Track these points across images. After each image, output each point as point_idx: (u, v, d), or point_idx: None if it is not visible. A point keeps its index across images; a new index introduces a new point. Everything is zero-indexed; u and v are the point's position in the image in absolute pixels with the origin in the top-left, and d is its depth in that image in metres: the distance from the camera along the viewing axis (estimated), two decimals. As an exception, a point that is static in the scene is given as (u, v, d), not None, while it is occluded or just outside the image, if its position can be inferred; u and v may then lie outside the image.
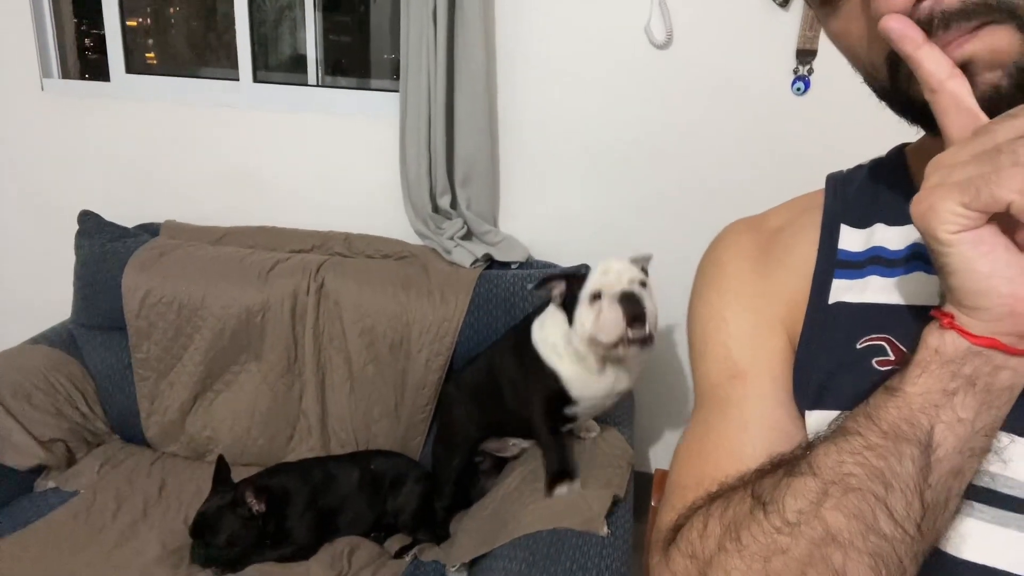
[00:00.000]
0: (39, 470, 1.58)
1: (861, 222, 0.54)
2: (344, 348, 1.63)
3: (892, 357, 0.47)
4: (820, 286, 0.53)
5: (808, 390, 0.52)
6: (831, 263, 0.53)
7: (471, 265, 1.68)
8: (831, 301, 0.52)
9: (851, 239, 0.54)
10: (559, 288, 1.28)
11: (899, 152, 0.57)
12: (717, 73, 1.63)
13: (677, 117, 1.68)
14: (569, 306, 1.25)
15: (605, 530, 1.17)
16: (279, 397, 1.66)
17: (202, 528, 1.33)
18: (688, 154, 1.70)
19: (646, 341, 1.18)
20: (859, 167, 0.59)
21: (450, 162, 1.73)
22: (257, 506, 1.34)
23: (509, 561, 1.13)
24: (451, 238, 1.72)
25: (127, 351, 1.72)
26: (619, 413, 1.57)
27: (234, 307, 1.63)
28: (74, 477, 1.58)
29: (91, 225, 1.77)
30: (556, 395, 1.32)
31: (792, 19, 1.57)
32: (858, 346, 0.49)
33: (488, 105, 1.69)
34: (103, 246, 1.73)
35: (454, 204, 1.76)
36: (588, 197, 1.79)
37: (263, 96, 1.90)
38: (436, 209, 1.75)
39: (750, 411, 0.54)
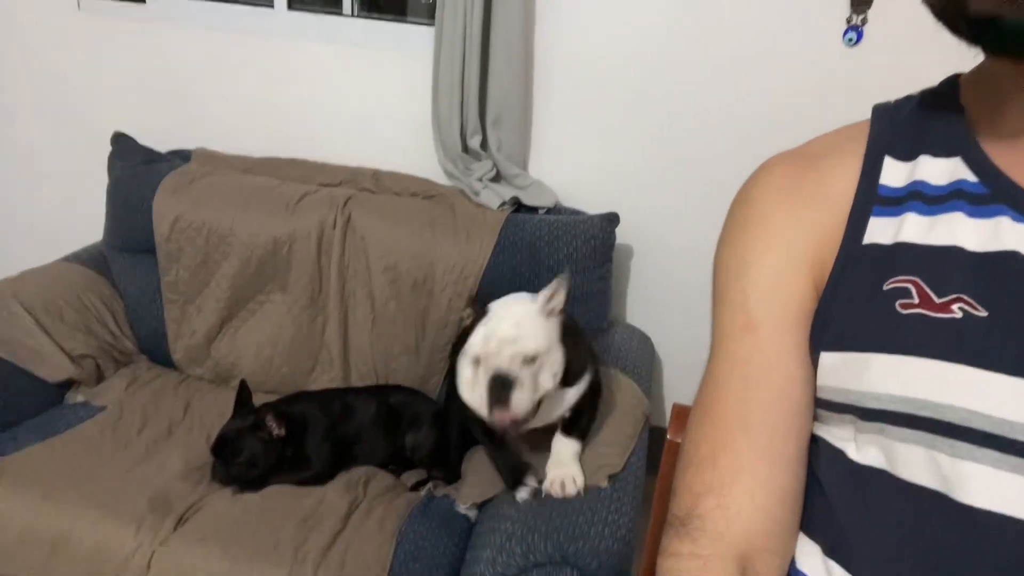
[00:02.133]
0: (69, 384, 1.63)
1: (906, 154, 0.52)
2: (368, 284, 1.64)
3: (916, 300, 0.46)
4: (855, 225, 0.52)
5: (828, 331, 0.51)
6: (870, 199, 0.52)
7: (498, 207, 1.66)
8: (865, 242, 0.51)
9: (893, 173, 0.52)
10: (468, 317, 1.14)
11: (952, 82, 0.54)
12: (765, 21, 1.56)
13: (720, 68, 1.61)
14: (465, 336, 1.11)
15: (604, 483, 1.17)
16: (302, 328, 1.68)
17: (223, 448, 1.37)
18: (729, 106, 1.64)
19: (516, 423, 1.05)
20: (908, 98, 0.56)
21: (482, 102, 1.69)
22: (277, 430, 1.37)
23: (516, 508, 1.15)
24: (479, 179, 1.70)
25: (157, 274, 1.75)
26: (638, 364, 1.56)
27: (262, 236, 1.64)
28: (102, 393, 1.62)
29: (124, 147, 1.78)
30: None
31: (848, -35, 1.49)
32: (884, 287, 0.48)
33: (524, 45, 1.64)
34: (135, 169, 1.74)
35: (484, 145, 1.73)
36: (621, 146, 1.75)
37: (297, 25, 1.87)
38: (466, 149, 1.73)
39: (756, 368, 0.54)
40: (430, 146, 1.78)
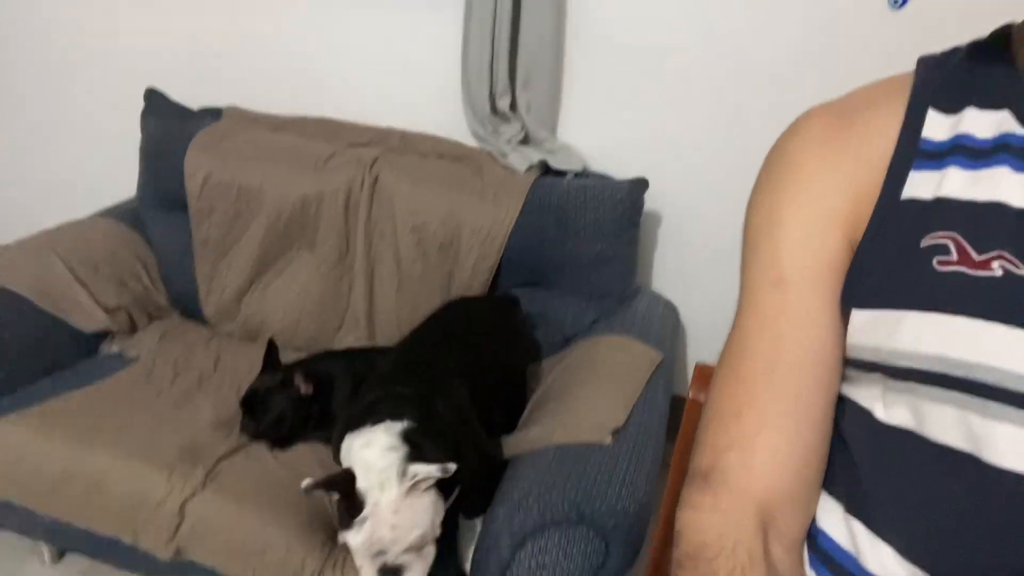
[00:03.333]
0: (104, 335, 1.67)
1: (951, 106, 0.50)
2: (394, 245, 1.65)
3: (955, 257, 0.45)
4: (895, 179, 0.50)
5: (861, 288, 0.50)
6: (911, 153, 0.50)
7: (526, 170, 1.65)
8: (903, 196, 0.49)
9: (936, 126, 0.50)
10: (335, 496, 1.08)
11: (1002, 33, 0.52)
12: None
13: (759, 31, 1.56)
14: (341, 516, 1.06)
15: (608, 440, 1.17)
16: (329, 287, 1.70)
17: (252, 403, 1.40)
18: (766, 71, 1.60)
19: None
20: (955, 49, 0.54)
21: (512, 63, 1.67)
22: (305, 389, 1.39)
23: (534, 468, 1.16)
24: (508, 142, 1.69)
25: (189, 230, 1.78)
26: (662, 331, 1.55)
27: (291, 195, 1.65)
28: (136, 344, 1.67)
29: (157, 104, 1.80)
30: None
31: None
32: (922, 244, 0.47)
33: (557, 5, 1.61)
34: (168, 125, 1.76)
35: (513, 107, 1.71)
36: (653, 111, 1.71)
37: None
38: (495, 111, 1.71)
39: (786, 324, 0.53)
40: (459, 108, 1.77)
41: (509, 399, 1.44)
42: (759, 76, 1.59)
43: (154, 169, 1.78)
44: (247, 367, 1.61)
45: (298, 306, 1.71)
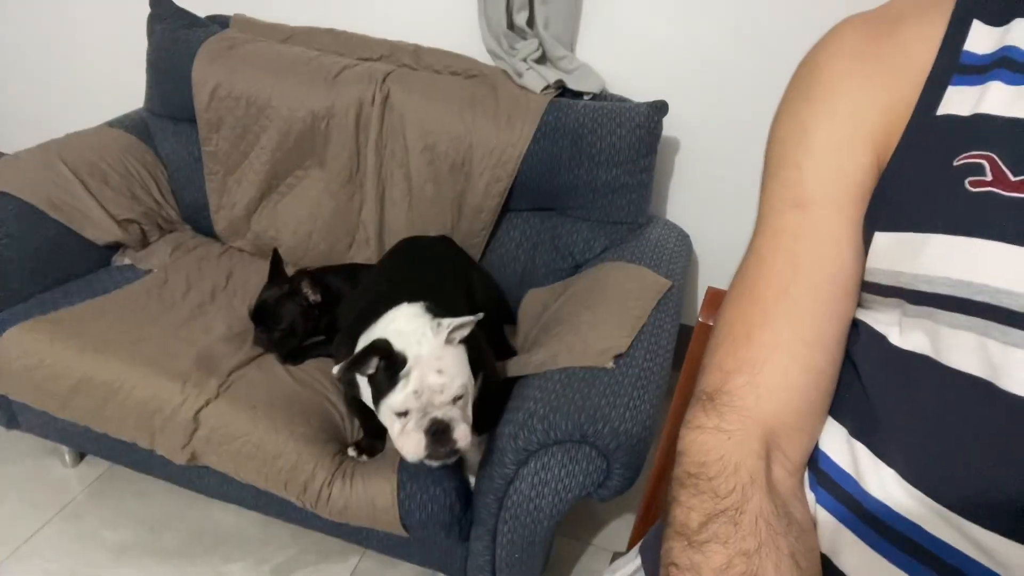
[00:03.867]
0: (116, 248, 1.68)
1: (998, 18, 0.47)
2: (405, 164, 1.62)
3: (989, 178, 0.43)
4: (931, 94, 0.48)
5: (886, 210, 0.49)
6: (951, 66, 0.48)
7: (542, 91, 1.60)
8: (939, 113, 0.47)
9: (980, 38, 0.48)
10: (371, 366, 1.06)
11: None
12: None
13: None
14: (376, 384, 1.06)
15: (610, 364, 1.18)
16: (340, 205, 1.68)
17: (263, 314, 1.42)
18: (808, 5, 1.51)
19: (452, 455, 1.08)
20: None
21: (532, -26, 1.60)
22: (313, 295, 1.41)
23: (539, 390, 1.17)
24: (524, 60, 1.63)
25: (197, 145, 1.75)
26: (673, 261, 1.54)
27: (300, 110, 1.62)
28: (148, 257, 1.68)
29: (163, 8, 1.74)
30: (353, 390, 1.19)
31: None
32: (955, 163, 0.45)
33: (581, -90, 1.53)
34: (175, 33, 1.71)
35: (531, 22, 1.65)
36: (677, 34, 1.64)
37: None
38: (511, 26, 1.65)
39: (804, 245, 0.52)
40: (474, 23, 1.70)
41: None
42: (794, 8, 1.52)
43: (161, 79, 1.74)
44: (259, 281, 1.61)
45: (309, 223, 1.71)
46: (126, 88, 1.96)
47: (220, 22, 1.81)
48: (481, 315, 1.11)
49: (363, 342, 1.14)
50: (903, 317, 0.49)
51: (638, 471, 1.13)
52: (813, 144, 0.53)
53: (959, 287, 0.44)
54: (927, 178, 0.47)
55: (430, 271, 1.40)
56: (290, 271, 1.57)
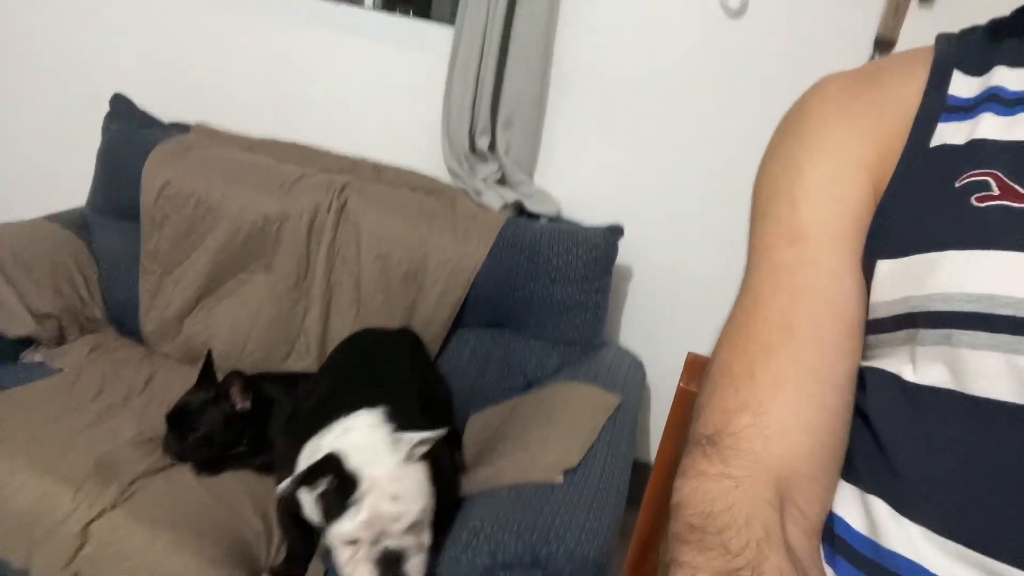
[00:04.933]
0: (28, 343, 1.53)
1: (977, 68, 0.48)
2: (356, 272, 1.57)
3: (997, 192, 0.41)
4: (922, 129, 0.47)
5: (888, 237, 0.46)
6: (938, 106, 0.47)
7: (500, 209, 1.61)
8: (932, 144, 0.46)
9: (964, 85, 0.48)
10: (323, 484, 0.97)
11: (1021, 10, 0.50)
12: (788, 52, 1.55)
13: (740, 92, 1.60)
14: (326, 504, 0.97)
15: (559, 479, 1.09)
16: (283, 312, 1.60)
17: (180, 418, 1.28)
18: (746, 132, 1.62)
19: None
20: (972, 28, 0.52)
21: (495, 102, 1.67)
22: (242, 403, 1.28)
23: (485, 507, 1.06)
24: (483, 180, 1.66)
25: (137, 243, 1.68)
26: (627, 389, 1.48)
27: (252, 212, 1.58)
28: (62, 355, 1.53)
29: (123, 109, 1.74)
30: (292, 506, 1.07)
31: (876, 5, 1.50)
32: (956, 184, 0.43)
33: (544, 49, 1.63)
34: (131, 132, 1.70)
35: (492, 147, 1.70)
36: (632, 164, 1.71)
37: (316, 10, 1.85)
38: (473, 149, 1.69)
39: (804, 279, 0.48)
40: (436, 144, 1.74)
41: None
42: (743, 141, 1.61)
43: (110, 173, 1.70)
44: (182, 388, 1.48)
45: (246, 329, 1.61)
46: (72, 186, 1.90)
47: (181, 128, 1.80)
48: (445, 431, 1.02)
49: (310, 451, 1.03)
50: (916, 349, 0.45)
51: (593, 604, 1.00)
52: (807, 179, 0.51)
53: (980, 301, 0.40)
54: (929, 201, 0.45)
55: (388, 369, 1.30)
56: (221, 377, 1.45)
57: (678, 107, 1.64)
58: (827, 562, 0.46)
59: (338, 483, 0.94)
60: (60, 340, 1.59)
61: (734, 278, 0.57)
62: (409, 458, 0.99)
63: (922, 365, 0.44)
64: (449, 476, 1.17)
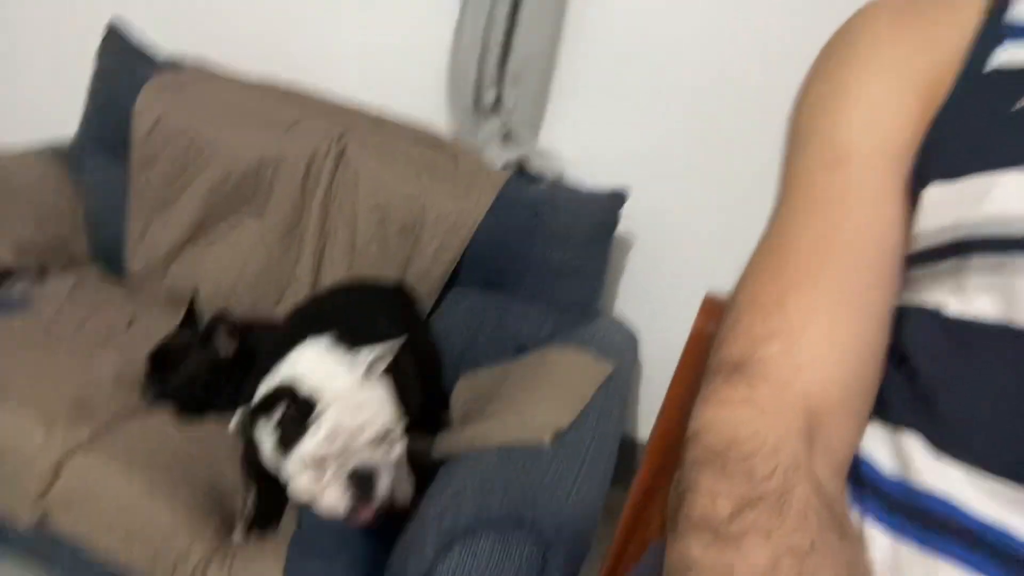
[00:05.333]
0: (6, 275, 1.48)
1: None
2: (352, 222, 1.53)
3: None
4: (980, 51, 0.43)
5: (938, 160, 0.42)
6: (998, 29, 0.44)
7: (501, 167, 1.56)
8: (990, 68, 0.42)
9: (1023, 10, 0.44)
10: (278, 412, 0.93)
11: None
12: (809, 22, 1.49)
13: (760, 61, 1.53)
14: (284, 434, 0.92)
15: (548, 438, 1.05)
16: (274, 259, 1.55)
17: (162, 360, 1.24)
18: (767, 109, 1.56)
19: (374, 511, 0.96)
20: None
21: (504, 58, 1.61)
22: (227, 349, 1.24)
23: (470, 467, 1.03)
24: (487, 136, 1.61)
25: (125, 180, 1.62)
26: (618, 360, 1.45)
27: (247, 154, 1.53)
28: (42, 291, 1.48)
29: (117, 40, 1.66)
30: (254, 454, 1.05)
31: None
32: (1015, 107, 0.39)
33: (558, 4, 1.56)
34: (124, 63, 1.63)
35: (498, 102, 1.64)
36: (640, 132, 1.66)
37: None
38: (478, 104, 1.64)
39: (843, 205, 0.44)
40: (440, 98, 1.69)
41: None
42: (757, 115, 1.55)
43: (100, 108, 1.63)
44: (166, 332, 1.44)
45: (235, 274, 1.56)
46: (63, 118, 1.83)
47: (176, 64, 1.73)
48: (402, 339, 0.98)
49: (263, 389, 0.99)
50: (964, 279, 0.41)
51: (577, 569, 0.97)
52: (852, 100, 0.47)
53: None
54: (987, 122, 0.41)
55: (361, 313, 1.26)
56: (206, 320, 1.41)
57: (696, 75, 1.58)
58: (853, 504, 0.43)
59: (295, 408, 0.90)
60: (43, 276, 1.54)
61: (737, 259, 0.53)
62: (368, 374, 0.96)
63: (969, 296, 0.41)
64: (414, 390, 1.14)
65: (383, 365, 0.98)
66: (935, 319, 0.42)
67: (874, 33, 0.48)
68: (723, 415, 0.42)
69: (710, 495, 0.38)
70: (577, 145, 1.69)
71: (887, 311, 0.45)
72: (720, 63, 1.55)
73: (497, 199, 1.48)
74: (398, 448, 0.97)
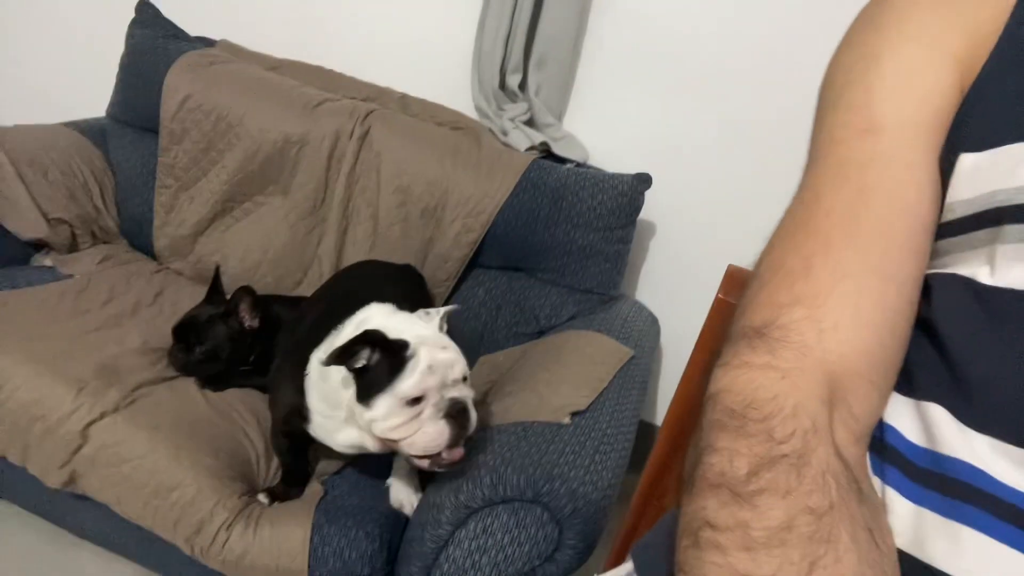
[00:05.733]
0: (39, 247, 1.52)
1: None
2: (375, 203, 1.54)
3: None
4: (1017, 25, 0.42)
5: (975, 128, 0.41)
6: None
7: (526, 150, 1.56)
8: None
9: None
10: (364, 357, 0.91)
11: None
12: (834, 22, 1.47)
13: (791, 57, 1.51)
14: (369, 379, 0.91)
15: (566, 420, 1.06)
16: (297, 237, 1.57)
17: (187, 331, 1.26)
18: (791, 102, 1.54)
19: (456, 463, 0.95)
20: None
21: (530, 41, 1.61)
22: (250, 319, 1.26)
23: (490, 442, 1.04)
24: (511, 120, 1.61)
25: (154, 156, 1.64)
26: (641, 343, 1.45)
27: (272, 132, 1.54)
28: (73, 262, 1.52)
29: (149, 16, 1.68)
30: (296, 422, 1.06)
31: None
32: None
33: (585, -12, 1.56)
34: (155, 40, 1.65)
35: (523, 86, 1.64)
36: (664, 119, 1.65)
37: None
38: (503, 87, 1.64)
39: (874, 172, 0.43)
40: (465, 80, 1.69)
41: None
42: (782, 104, 1.54)
43: (130, 83, 1.66)
44: (191, 304, 1.47)
45: (260, 252, 1.58)
46: (94, 96, 1.86)
47: (206, 43, 1.75)
48: (457, 307, 1.06)
49: (326, 348, 0.99)
50: (998, 248, 0.40)
51: (592, 546, 0.98)
52: (885, 66, 0.46)
53: None
54: (1021, 94, 0.40)
55: (390, 289, 1.28)
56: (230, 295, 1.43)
57: (720, 66, 1.56)
58: (874, 473, 0.43)
59: (383, 353, 0.91)
60: (72, 247, 1.57)
61: (758, 246, 0.52)
62: (441, 328, 1.01)
63: (1003, 265, 0.40)
64: None
65: (446, 324, 1.02)
66: (968, 288, 0.42)
67: (904, 6, 0.48)
68: (743, 378, 0.41)
69: (727, 454, 0.38)
70: (600, 131, 1.68)
71: (916, 280, 0.44)
72: (739, 54, 1.54)
73: (520, 181, 1.49)
74: (472, 392, 0.99)
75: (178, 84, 1.58)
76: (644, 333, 1.52)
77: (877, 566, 0.35)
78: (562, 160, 1.60)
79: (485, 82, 1.63)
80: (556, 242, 1.48)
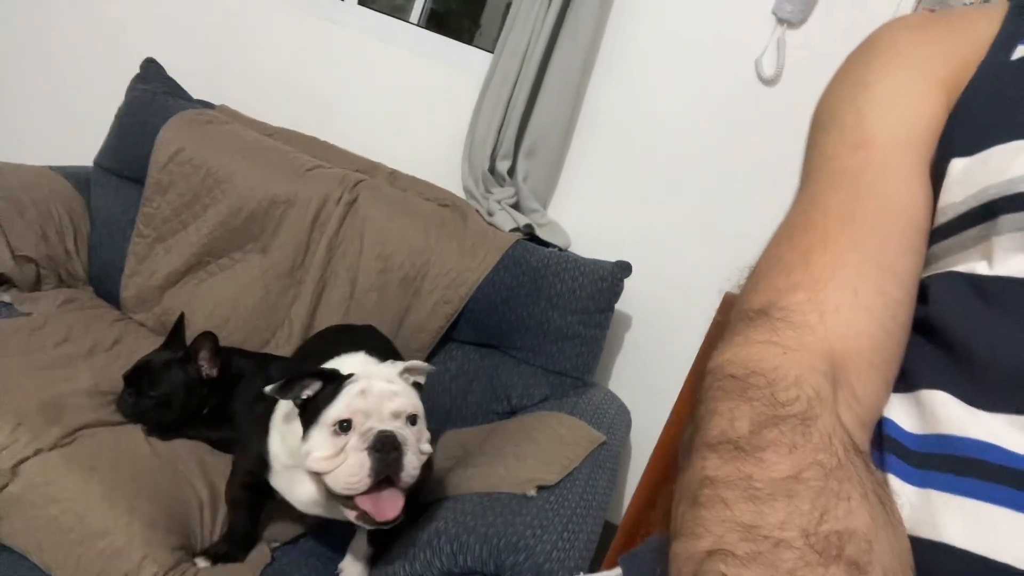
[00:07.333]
0: (1, 282, 1.47)
1: None
2: (355, 267, 1.53)
3: None
4: (1002, 46, 0.45)
5: (964, 136, 0.43)
6: (1017, 32, 0.45)
7: (510, 231, 1.59)
8: (1014, 58, 0.44)
9: None
10: (311, 389, 0.90)
11: None
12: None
13: (762, 159, 1.61)
14: (310, 412, 0.89)
15: (532, 492, 1.01)
16: (271, 297, 1.54)
17: (141, 375, 1.20)
18: (766, 200, 1.62)
19: (398, 493, 0.88)
20: None
21: (521, 130, 1.67)
22: (209, 368, 1.21)
23: (451, 510, 0.98)
24: (498, 202, 1.64)
25: (135, 205, 1.63)
26: (612, 432, 1.42)
27: (259, 191, 1.55)
28: (32, 301, 1.46)
29: (152, 73, 1.73)
30: (257, 473, 1.02)
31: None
32: None
33: (578, 86, 1.64)
34: (156, 95, 1.68)
35: (512, 172, 1.69)
36: (648, 211, 1.70)
37: (364, 20, 1.89)
38: (492, 171, 1.68)
39: (868, 178, 0.45)
40: (456, 162, 1.74)
41: None
42: (756, 207, 1.61)
43: (126, 131, 1.67)
44: (149, 354, 1.41)
45: (229, 308, 1.54)
46: (84, 148, 1.87)
47: (206, 105, 1.79)
48: (434, 368, 1.01)
49: (279, 409, 0.98)
50: (994, 241, 0.41)
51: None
52: (875, 91, 0.48)
53: None
54: (1012, 100, 0.42)
55: (366, 344, 1.24)
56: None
57: (700, 165, 1.64)
58: (874, 464, 0.40)
59: (331, 384, 0.89)
60: (35, 287, 1.52)
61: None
62: (404, 375, 0.96)
63: (1001, 257, 0.40)
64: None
65: (417, 378, 0.98)
66: (966, 282, 0.42)
67: (894, 39, 0.51)
68: (744, 351, 0.40)
69: (728, 416, 0.36)
70: (583, 220, 1.72)
71: (913, 277, 0.44)
72: (721, 153, 1.62)
73: (502, 260, 1.50)
74: (426, 443, 0.92)
75: (172, 137, 1.59)
76: (616, 422, 1.48)
77: (889, 528, 0.32)
78: (545, 244, 1.62)
79: (475, 165, 1.68)
80: (534, 321, 1.47)
